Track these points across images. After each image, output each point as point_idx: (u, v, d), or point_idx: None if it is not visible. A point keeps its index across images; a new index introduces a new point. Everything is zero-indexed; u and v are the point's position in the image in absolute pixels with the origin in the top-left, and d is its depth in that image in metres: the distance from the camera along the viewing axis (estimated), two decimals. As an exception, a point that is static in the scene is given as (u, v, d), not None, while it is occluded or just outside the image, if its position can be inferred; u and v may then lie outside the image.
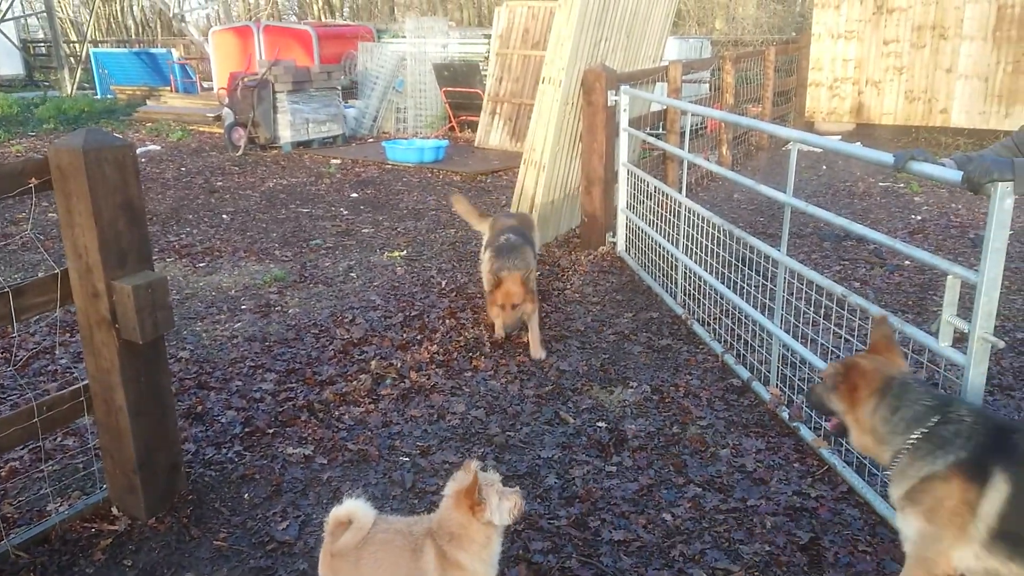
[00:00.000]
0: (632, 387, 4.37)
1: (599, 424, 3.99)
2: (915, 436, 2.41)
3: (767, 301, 4.64)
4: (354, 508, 2.40)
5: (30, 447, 3.73)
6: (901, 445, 2.44)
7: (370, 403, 4.21)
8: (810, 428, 3.80)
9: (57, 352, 4.81)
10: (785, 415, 3.94)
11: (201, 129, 14.09)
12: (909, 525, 2.41)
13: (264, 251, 7.01)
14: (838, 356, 3.63)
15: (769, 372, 4.24)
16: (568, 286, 6.02)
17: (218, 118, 13.50)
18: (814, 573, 2.90)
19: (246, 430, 3.91)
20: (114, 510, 3.22)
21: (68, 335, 5.01)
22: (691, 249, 5.35)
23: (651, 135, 6.96)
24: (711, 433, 3.87)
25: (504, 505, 2.34)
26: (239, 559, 3.00)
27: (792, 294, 4.41)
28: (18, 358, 4.71)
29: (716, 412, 4.08)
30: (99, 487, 3.34)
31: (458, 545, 2.34)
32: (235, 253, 6.95)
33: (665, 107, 8.03)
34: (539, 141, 6.79)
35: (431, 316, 5.42)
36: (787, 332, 4.14)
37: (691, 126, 9.74)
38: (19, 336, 4.98)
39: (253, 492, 3.41)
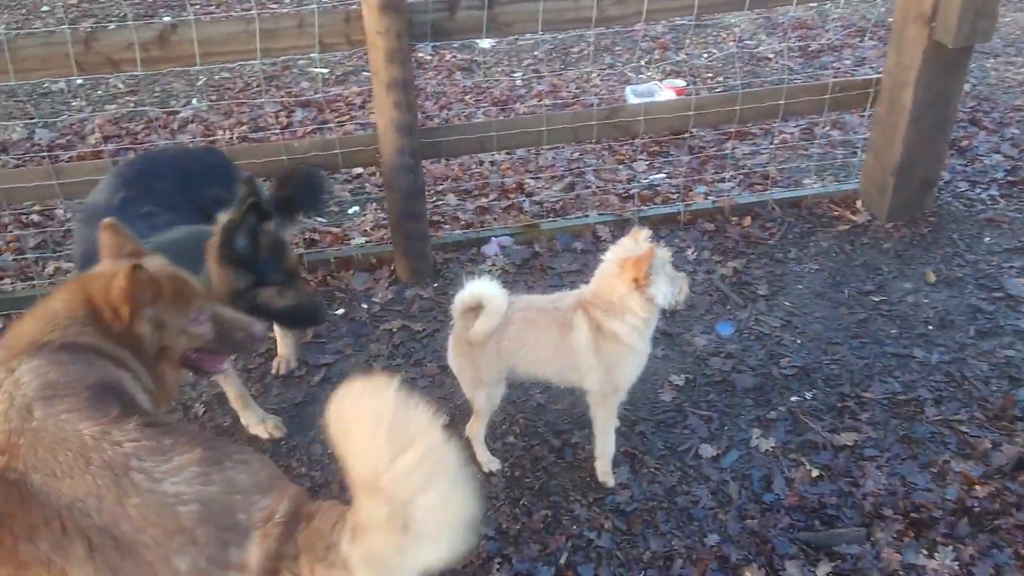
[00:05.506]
0: None
1: None
2: None
3: None
4: (482, 291, 2.05)
5: (800, 126, 4.12)
6: None
7: None
8: None
9: (844, 52, 4.99)
10: None
11: None
12: None
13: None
14: None
15: None
16: None
17: None
18: None
19: (1008, 178, 3.62)
20: (859, 204, 3.42)
21: (857, 39, 5.12)
22: None
23: None
24: None
25: (669, 289, 2.05)
26: (960, 291, 2.95)
27: None
28: (811, 49, 5.05)
29: None
30: (852, 179, 3.56)
31: (617, 316, 2.06)
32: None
33: None
34: None
35: None
36: None
37: None
38: (816, 31, 5.29)
39: (995, 239, 3.23)
